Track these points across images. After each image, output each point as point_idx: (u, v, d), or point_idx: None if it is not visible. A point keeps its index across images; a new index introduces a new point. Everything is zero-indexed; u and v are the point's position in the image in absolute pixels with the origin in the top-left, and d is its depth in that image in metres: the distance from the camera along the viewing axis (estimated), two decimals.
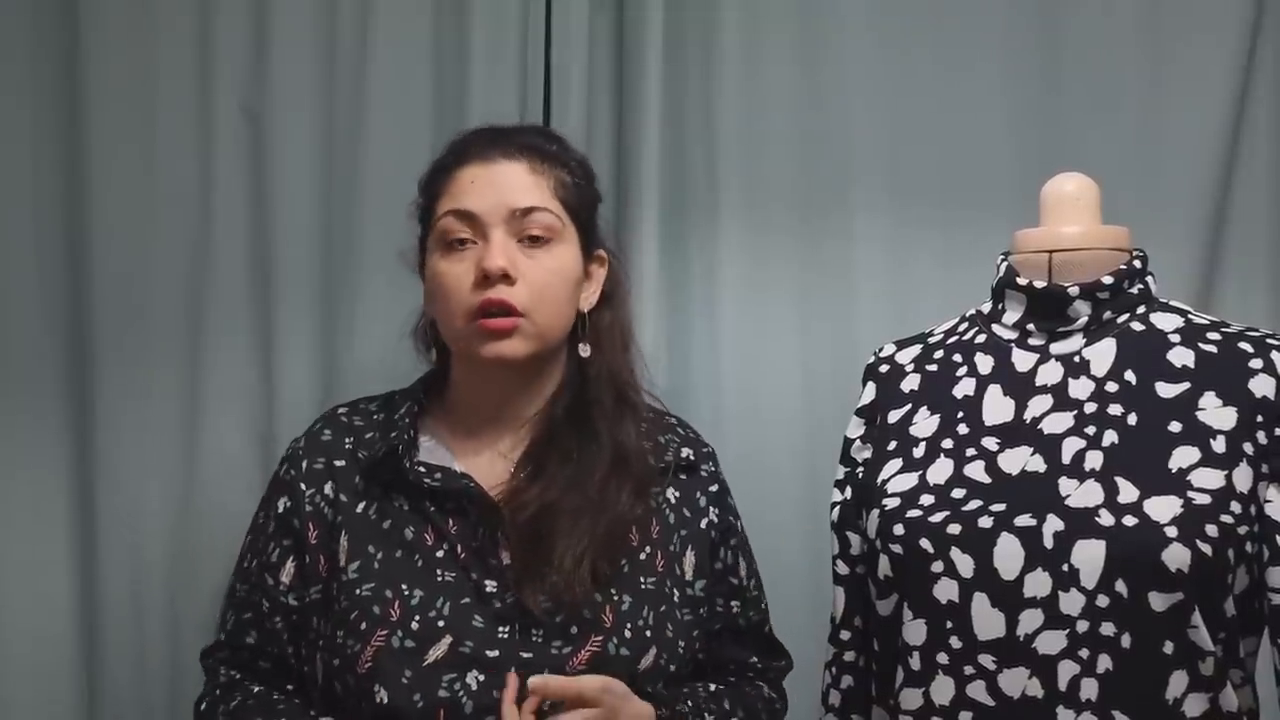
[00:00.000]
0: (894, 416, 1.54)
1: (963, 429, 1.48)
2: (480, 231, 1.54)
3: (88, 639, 1.90)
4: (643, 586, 1.54)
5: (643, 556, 1.56)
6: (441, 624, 1.48)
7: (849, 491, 1.58)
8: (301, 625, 1.56)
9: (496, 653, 1.47)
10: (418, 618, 1.48)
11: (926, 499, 1.43)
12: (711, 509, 1.64)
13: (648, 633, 1.52)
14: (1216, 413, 1.40)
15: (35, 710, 1.89)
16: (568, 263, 1.57)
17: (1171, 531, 1.33)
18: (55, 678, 1.90)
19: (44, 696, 1.89)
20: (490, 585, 1.50)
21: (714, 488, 1.66)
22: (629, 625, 1.51)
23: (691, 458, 1.64)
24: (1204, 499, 1.35)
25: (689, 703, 1.57)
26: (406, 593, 1.49)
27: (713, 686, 1.63)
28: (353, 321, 1.94)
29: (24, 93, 1.92)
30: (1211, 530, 1.33)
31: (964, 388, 1.51)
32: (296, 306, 1.94)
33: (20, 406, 1.92)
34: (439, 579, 1.50)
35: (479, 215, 1.54)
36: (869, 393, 1.59)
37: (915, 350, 1.59)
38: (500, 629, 1.48)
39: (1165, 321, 1.48)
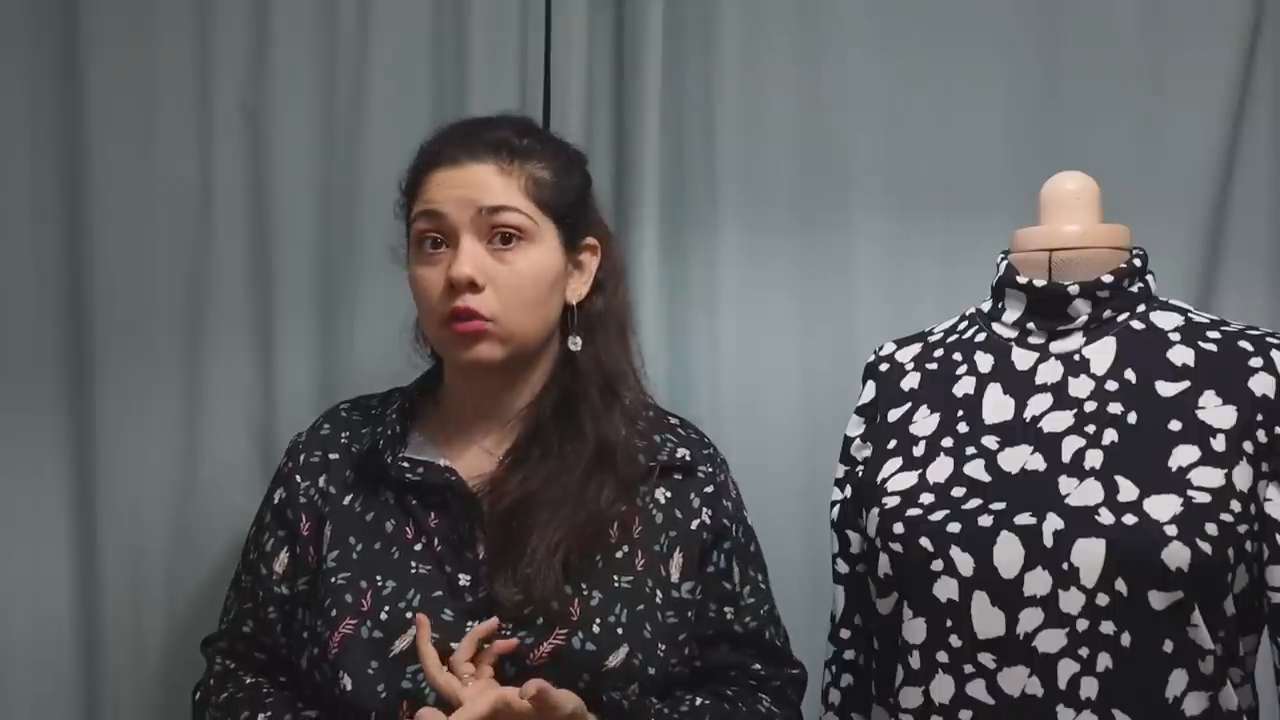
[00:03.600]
0: (894, 415, 1.54)
1: (962, 427, 1.48)
2: (450, 234, 1.54)
3: (88, 638, 1.90)
4: (616, 584, 1.53)
5: (619, 555, 1.55)
6: (410, 615, 1.48)
7: (849, 490, 1.57)
8: (292, 615, 1.57)
9: None
10: (387, 608, 1.49)
11: (926, 497, 1.43)
12: (705, 510, 1.61)
13: (618, 630, 1.50)
14: (1216, 411, 1.39)
15: (35, 709, 1.89)
16: (542, 262, 1.55)
17: (1171, 530, 1.32)
18: (55, 677, 1.90)
19: (44, 695, 1.89)
20: (464, 579, 1.51)
21: (709, 489, 1.62)
22: (597, 621, 1.50)
23: (688, 458, 1.62)
24: (1204, 498, 1.35)
25: (663, 711, 1.53)
26: (380, 583, 1.51)
27: (697, 701, 1.57)
28: (353, 321, 1.94)
29: (24, 92, 1.92)
30: (1211, 529, 1.33)
31: (964, 386, 1.50)
32: (296, 306, 1.94)
33: (20, 406, 1.91)
34: (413, 571, 1.52)
35: (447, 217, 1.54)
36: (869, 391, 1.59)
37: (915, 349, 1.58)
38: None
39: (1165, 320, 1.48)
